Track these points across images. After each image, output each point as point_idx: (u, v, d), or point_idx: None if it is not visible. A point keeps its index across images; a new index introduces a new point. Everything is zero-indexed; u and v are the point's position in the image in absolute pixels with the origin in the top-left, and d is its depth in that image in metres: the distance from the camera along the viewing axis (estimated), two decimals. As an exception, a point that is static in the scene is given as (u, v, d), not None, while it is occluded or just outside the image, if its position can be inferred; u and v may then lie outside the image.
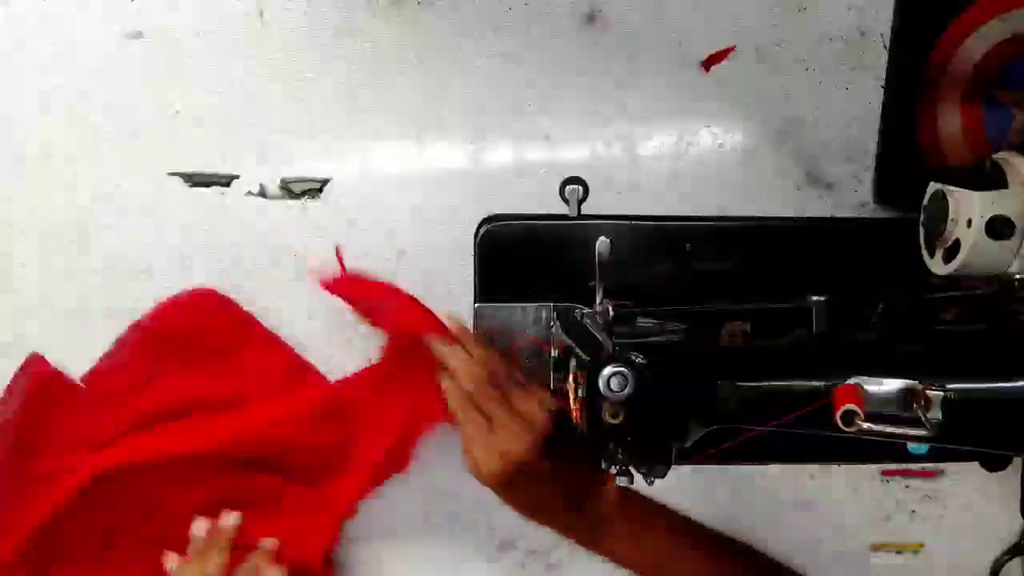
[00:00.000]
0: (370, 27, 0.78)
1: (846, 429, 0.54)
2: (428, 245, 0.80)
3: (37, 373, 0.78)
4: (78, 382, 0.79)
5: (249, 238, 0.79)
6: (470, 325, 0.80)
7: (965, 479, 0.86)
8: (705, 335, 0.67)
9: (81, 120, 0.78)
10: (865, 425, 0.53)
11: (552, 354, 0.78)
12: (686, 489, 0.85)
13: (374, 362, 0.80)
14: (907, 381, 0.55)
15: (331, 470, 0.80)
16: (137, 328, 0.78)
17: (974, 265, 0.66)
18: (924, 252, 0.73)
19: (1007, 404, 0.56)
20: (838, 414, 0.53)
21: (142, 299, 0.80)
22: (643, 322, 0.66)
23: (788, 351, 0.64)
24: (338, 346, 0.81)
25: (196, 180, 0.79)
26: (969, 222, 0.66)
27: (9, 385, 0.78)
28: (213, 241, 0.79)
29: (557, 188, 0.80)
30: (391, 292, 0.77)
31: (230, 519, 0.77)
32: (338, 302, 0.80)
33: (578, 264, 0.78)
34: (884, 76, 0.79)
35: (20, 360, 0.80)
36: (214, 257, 0.80)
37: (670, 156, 0.80)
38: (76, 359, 0.80)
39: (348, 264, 0.80)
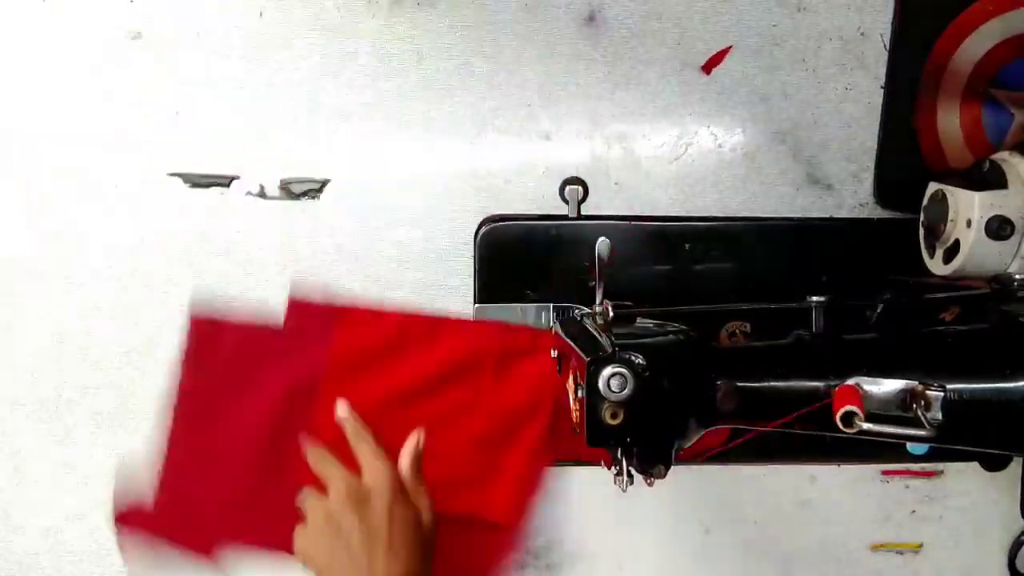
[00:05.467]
0: (370, 27, 0.78)
1: (846, 430, 0.54)
2: (428, 245, 0.80)
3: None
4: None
5: (249, 238, 0.79)
6: (470, 325, 0.80)
7: (965, 479, 0.86)
8: (705, 335, 0.67)
9: (81, 120, 0.78)
10: (865, 425, 0.53)
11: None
12: (686, 489, 0.85)
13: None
14: (907, 381, 0.55)
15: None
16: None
17: (974, 265, 0.66)
18: (924, 252, 0.74)
19: (1007, 404, 0.56)
20: (838, 415, 0.53)
21: (142, 299, 0.80)
22: (643, 322, 0.66)
23: (788, 351, 0.64)
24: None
25: (196, 180, 0.79)
26: (969, 222, 0.66)
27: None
28: (213, 241, 0.79)
29: (557, 188, 0.81)
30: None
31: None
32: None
33: (578, 264, 0.78)
34: (884, 76, 0.79)
35: (20, 361, 0.80)
36: (214, 257, 0.80)
37: (670, 156, 0.80)
38: (76, 359, 0.80)
39: (343, 264, 0.80)
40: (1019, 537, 0.86)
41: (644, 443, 0.58)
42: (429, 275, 0.81)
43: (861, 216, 0.81)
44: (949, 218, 0.68)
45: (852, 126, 0.80)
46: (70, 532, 0.83)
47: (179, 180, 0.79)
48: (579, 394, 0.59)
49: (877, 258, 0.80)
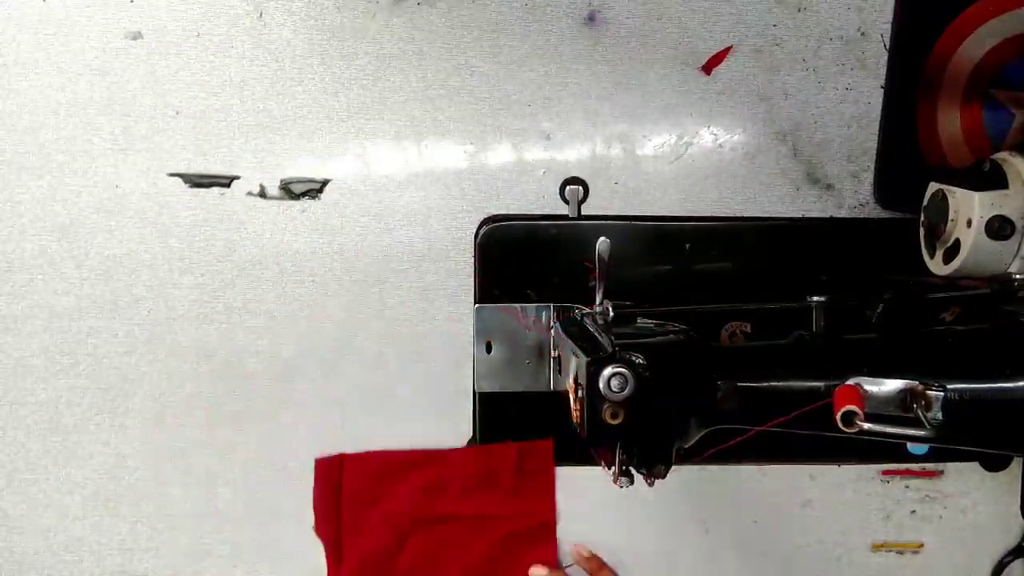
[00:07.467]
0: (370, 27, 0.78)
1: (846, 429, 0.54)
2: (428, 245, 0.80)
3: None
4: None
5: (249, 238, 0.79)
6: (470, 325, 0.80)
7: (965, 479, 0.86)
8: (705, 335, 0.67)
9: (81, 120, 0.78)
10: (865, 425, 0.53)
11: (552, 354, 0.78)
12: (686, 489, 0.85)
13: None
14: (907, 381, 0.55)
15: None
16: None
17: (974, 265, 0.66)
18: (924, 252, 0.73)
19: (1007, 404, 0.56)
20: (838, 415, 0.53)
21: (142, 299, 0.80)
22: (643, 322, 0.66)
23: (788, 351, 0.64)
24: (336, 347, 0.81)
25: (196, 180, 0.79)
26: (969, 222, 0.66)
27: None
28: (213, 241, 0.79)
29: (557, 188, 0.81)
30: None
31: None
32: (333, 303, 0.80)
33: (578, 264, 0.78)
34: (884, 76, 0.79)
35: (20, 361, 0.80)
36: (214, 257, 0.80)
37: (670, 156, 0.80)
38: (77, 360, 0.80)
39: (343, 264, 0.80)
40: (1002, 559, 0.86)
41: (644, 443, 0.58)
42: (429, 275, 0.81)
43: (861, 216, 0.81)
44: (949, 218, 0.68)
45: (852, 126, 0.80)
46: (70, 532, 0.83)
47: (179, 180, 0.79)
48: (579, 394, 0.59)
49: (877, 258, 0.80)
